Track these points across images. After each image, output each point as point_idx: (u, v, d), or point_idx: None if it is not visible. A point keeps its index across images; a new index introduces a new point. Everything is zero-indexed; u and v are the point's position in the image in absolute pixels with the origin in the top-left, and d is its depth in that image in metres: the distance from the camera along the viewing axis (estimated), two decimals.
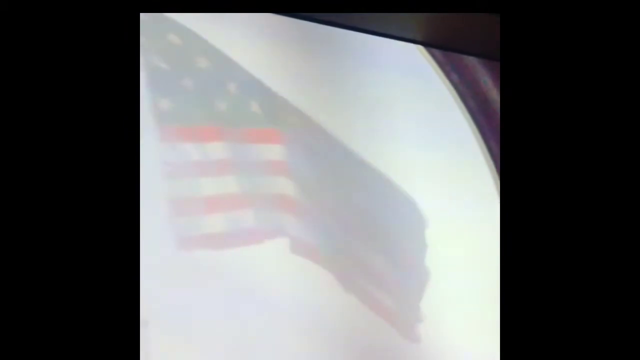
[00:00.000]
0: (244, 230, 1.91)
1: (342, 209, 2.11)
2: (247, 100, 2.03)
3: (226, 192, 1.91)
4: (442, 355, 2.09)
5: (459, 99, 2.47)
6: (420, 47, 2.45)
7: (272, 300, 1.86)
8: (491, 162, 2.44)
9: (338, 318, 1.95)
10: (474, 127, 2.46)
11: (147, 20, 1.87)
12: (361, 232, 2.11)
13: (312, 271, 1.97)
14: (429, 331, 2.10)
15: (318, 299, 1.94)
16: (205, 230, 1.85)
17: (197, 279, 1.78)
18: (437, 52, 2.46)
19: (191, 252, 1.80)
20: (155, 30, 1.92)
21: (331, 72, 2.23)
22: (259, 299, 1.85)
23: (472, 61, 2.53)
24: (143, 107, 1.79)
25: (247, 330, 1.81)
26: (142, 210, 1.32)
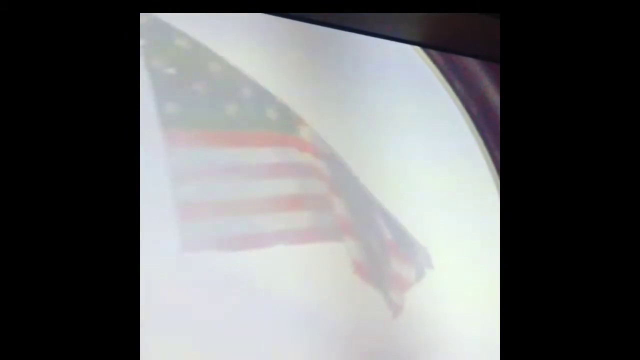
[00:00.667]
0: (257, 235, 1.91)
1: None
2: (259, 105, 2.04)
3: (237, 197, 1.91)
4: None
5: (459, 102, 2.47)
6: (418, 49, 2.44)
7: (279, 306, 1.86)
8: (491, 164, 2.44)
9: (345, 321, 1.95)
10: (473, 128, 2.46)
11: (152, 25, 1.87)
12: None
13: (315, 273, 1.97)
14: (434, 332, 2.10)
15: (321, 301, 1.94)
16: (214, 234, 1.85)
17: (202, 281, 1.77)
18: (436, 54, 2.46)
19: (196, 256, 1.79)
20: (162, 36, 1.92)
21: (331, 76, 2.22)
22: (265, 303, 1.84)
23: (471, 63, 2.53)
24: (151, 112, 1.81)
25: (251, 335, 1.81)
26: (146, 214, 1.32)
